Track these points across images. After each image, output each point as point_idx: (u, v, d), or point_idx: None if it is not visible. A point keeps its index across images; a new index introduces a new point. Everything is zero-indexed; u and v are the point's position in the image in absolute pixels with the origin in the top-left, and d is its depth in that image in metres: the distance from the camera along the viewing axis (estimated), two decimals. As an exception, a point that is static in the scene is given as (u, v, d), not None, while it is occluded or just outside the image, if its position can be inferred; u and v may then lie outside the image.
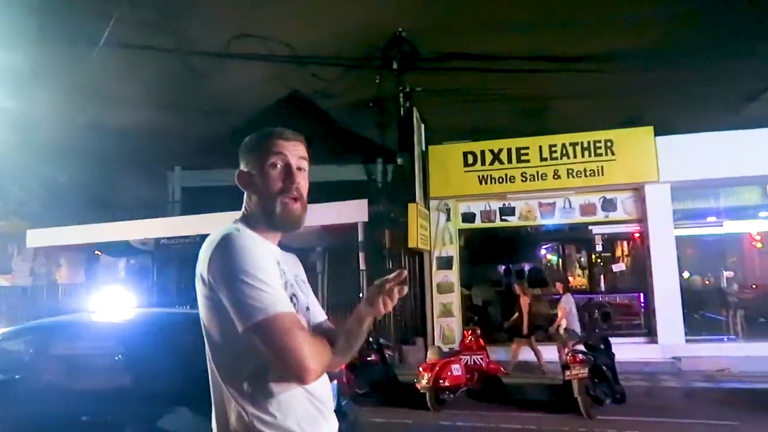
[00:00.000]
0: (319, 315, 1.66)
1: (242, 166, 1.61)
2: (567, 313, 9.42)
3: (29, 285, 15.75)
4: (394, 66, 13.06)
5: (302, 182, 1.59)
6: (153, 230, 14.52)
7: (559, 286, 10.09)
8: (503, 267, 14.02)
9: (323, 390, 1.54)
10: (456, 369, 7.82)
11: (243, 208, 1.62)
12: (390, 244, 12.35)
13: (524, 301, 9.95)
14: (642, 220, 10.86)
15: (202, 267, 1.46)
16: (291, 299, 1.49)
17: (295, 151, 1.59)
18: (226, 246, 1.42)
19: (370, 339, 8.97)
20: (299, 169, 1.59)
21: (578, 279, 14.14)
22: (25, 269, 16.39)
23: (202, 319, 1.51)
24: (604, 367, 7.22)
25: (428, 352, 8.18)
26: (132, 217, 15.33)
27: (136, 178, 19.11)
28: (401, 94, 12.92)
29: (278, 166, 1.56)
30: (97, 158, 17.66)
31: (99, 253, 16.44)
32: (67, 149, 15.95)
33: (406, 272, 1.50)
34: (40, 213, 16.50)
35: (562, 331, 9.24)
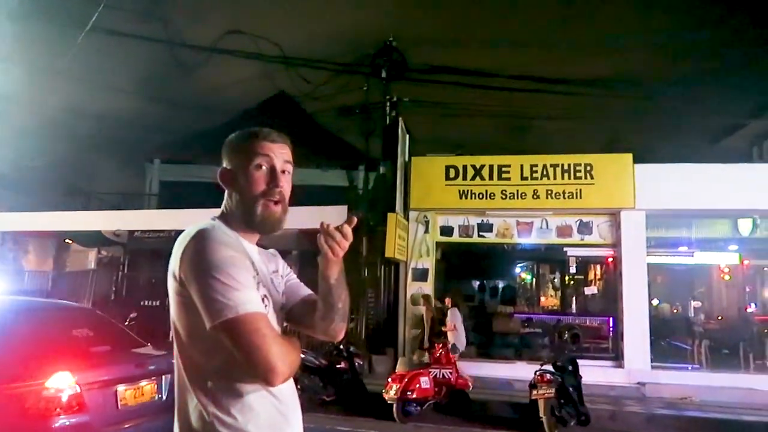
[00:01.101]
0: (303, 290, 1.70)
1: (225, 164, 1.59)
2: (454, 329, 9.60)
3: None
4: (383, 74, 13.10)
5: (286, 185, 1.58)
6: (127, 222, 14.28)
7: (447, 301, 10.22)
8: (479, 283, 14.11)
9: (289, 394, 1.53)
10: (424, 381, 7.81)
11: (223, 206, 1.60)
12: (367, 252, 12.33)
13: (427, 315, 10.35)
14: (616, 245, 11.02)
15: (174, 262, 1.44)
16: (263, 299, 1.47)
17: (281, 154, 1.58)
18: (199, 242, 1.41)
19: (341, 346, 8.94)
20: (283, 171, 1.58)
21: (551, 299, 14.29)
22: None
23: (171, 315, 1.48)
24: (570, 389, 7.28)
25: (398, 363, 8.16)
26: (107, 207, 15.09)
27: (113, 167, 18.83)
28: (388, 103, 12.95)
29: (263, 167, 1.54)
30: (75, 144, 17.37)
31: (69, 241, 16.11)
32: (43, 133, 15.63)
33: (355, 219, 1.51)
34: (9, 196, 16.11)
35: (450, 346, 9.28)
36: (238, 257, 1.41)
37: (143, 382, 4.41)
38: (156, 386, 4.53)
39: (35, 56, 16.03)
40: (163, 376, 4.56)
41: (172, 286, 1.45)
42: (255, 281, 1.47)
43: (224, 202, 1.60)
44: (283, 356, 1.34)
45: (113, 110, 17.18)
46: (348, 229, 1.49)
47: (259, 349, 1.31)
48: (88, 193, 18.28)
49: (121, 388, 4.19)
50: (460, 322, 9.76)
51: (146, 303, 12.96)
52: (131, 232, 14.14)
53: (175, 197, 16.37)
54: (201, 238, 1.41)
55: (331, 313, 1.57)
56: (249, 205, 1.53)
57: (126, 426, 4.20)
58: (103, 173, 18.77)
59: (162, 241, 13.09)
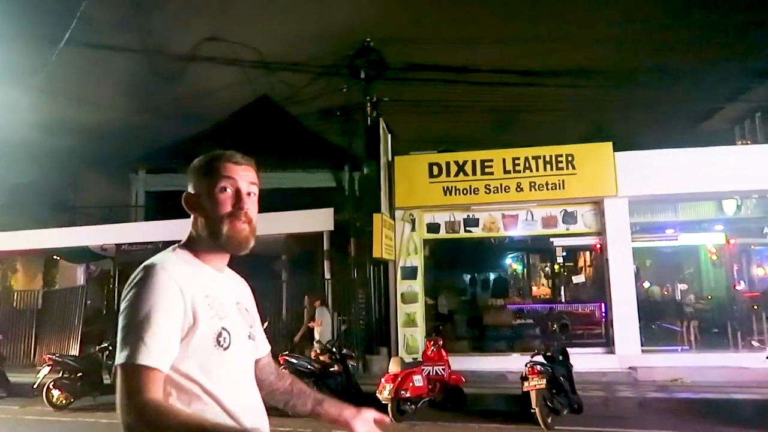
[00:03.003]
0: (262, 349, 1.68)
1: (190, 188, 1.59)
2: (321, 325, 10.29)
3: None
4: (362, 75, 13.13)
5: (251, 207, 1.57)
6: (114, 235, 14.21)
7: (316, 303, 10.70)
8: (468, 277, 14.20)
9: (258, 421, 1.52)
10: (418, 380, 7.86)
11: (190, 231, 1.59)
12: (355, 253, 12.38)
13: (307, 313, 10.90)
14: (601, 232, 11.13)
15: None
16: (221, 332, 1.46)
17: (245, 176, 1.57)
18: (141, 279, 1.41)
19: (333, 349, 8.98)
20: (249, 194, 1.57)
21: (541, 289, 14.42)
22: (-22, 274, 15.87)
23: None
24: (561, 378, 7.36)
25: (390, 363, 8.20)
26: (93, 221, 15.01)
27: (98, 180, 18.72)
28: (368, 104, 12.98)
29: (227, 190, 1.54)
30: (57, 160, 17.25)
31: (58, 258, 16.02)
32: (24, 150, 15.52)
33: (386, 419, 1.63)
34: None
35: (315, 342, 10.06)
36: (167, 305, 1.38)
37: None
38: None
39: (11, 74, 15.90)
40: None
41: None
42: (209, 314, 1.45)
43: (191, 226, 1.59)
44: (133, 421, 1.29)
45: (94, 123, 17.11)
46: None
47: (123, 404, 1.29)
48: (74, 207, 18.18)
49: None
50: (328, 319, 10.50)
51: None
52: (119, 246, 14.08)
53: (161, 207, 16.29)
54: (143, 277, 1.42)
55: (283, 404, 1.73)
56: (215, 226, 1.53)
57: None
58: (87, 187, 18.68)
59: (150, 253, 12.78)
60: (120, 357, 1.33)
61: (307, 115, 17.67)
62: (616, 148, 10.93)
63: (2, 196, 15.70)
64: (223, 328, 1.48)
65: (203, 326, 1.43)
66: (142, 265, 1.45)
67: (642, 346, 10.58)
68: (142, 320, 1.34)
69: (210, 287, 1.52)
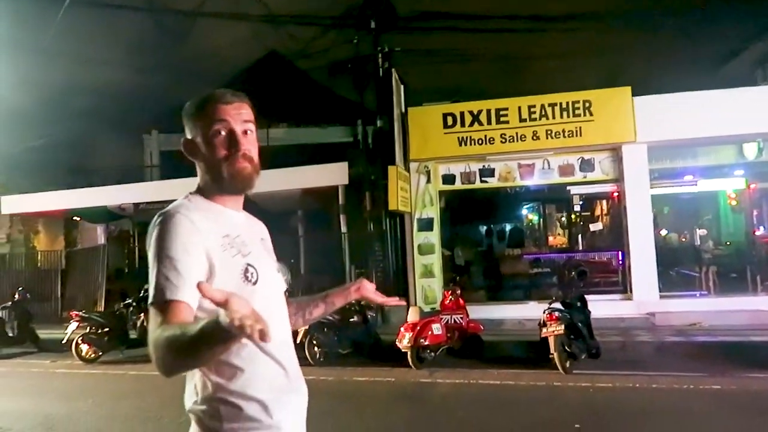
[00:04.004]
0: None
1: (186, 134, 1.57)
2: None
3: (7, 252, 15.56)
4: (372, 25, 12.83)
5: (248, 146, 1.53)
6: (131, 195, 14.36)
7: None
8: (485, 227, 14.20)
9: (289, 356, 1.54)
10: (436, 328, 7.98)
11: (198, 177, 1.59)
12: (371, 206, 12.39)
13: None
14: (619, 180, 11.00)
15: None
16: (247, 268, 1.47)
17: (238, 115, 1.52)
18: (159, 224, 1.42)
19: (353, 300, 9.09)
20: (245, 132, 1.53)
21: (558, 238, 14.40)
22: (1, 236, 16.16)
23: None
24: (579, 324, 7.41)
25: (409, 313, 8.31)
26: (109, 182, 15.13)
27: (112, 142, 18.74)
28: (380, 55, 12.73)
29: (222, 133, 1.50)
30: (71, 122, 17.26)
31: (78, 219, 16.26)
32: (39, 113, 15.55)
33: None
34: (14, 179, 16.17)
35: None
36: (191, 245, 1.38)
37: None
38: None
39: (21, 36, 15.79)
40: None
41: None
42: (230, 253, 1.46)
43: (198, 171, 1.59)
44: (159, 352, 1.24)
45: (105, 84, 16.98)
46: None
47: (151, 340, 1.27)
48: (90, 169, 18.30)
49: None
50: None
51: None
52: (136, 205, 14.24)
53: (176, 167, 16.35)
54: (160, 221, 1.42)
55: (306, 316, 1.77)
56: (215, 170, 1.52)
57: None
58: (102, 148, 18.70)
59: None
60: (149, 300, 1.36)
61: (317, 70, 17.42)
62: (634, 93, 10.67)
63: (20, 158, 15.82)
64: (249, 264, 1.48)
65: (227, 264, 1.44)
66: (158, 214, 1.45)
67: (660, 292, 10.59)
68: (165, 262, 1.35)
69: (228, 227, 1.52)
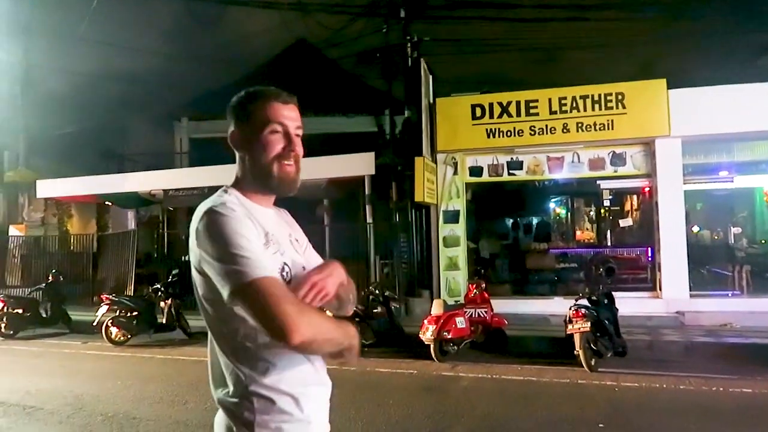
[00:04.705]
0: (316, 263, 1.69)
1: (234, 126, 1.57)
2: None
3: (42, 235, 15.98)
4: (402, 14, 12.74)
5: (299, 149, 1.58)
6: (161, 181, 14.59)
7: None
8: (511, 221, 14.07)
9: None
10: (460, 322, 7.95)
11: (236, 171, 1.60)
12: (396, 197, 12.37)
13: None
14: (651, 174, 10.76)
15: (191, 242, 1.46)
16: (283, 267, 1.50)
17: (293, 116, 1.57)
18: (207, 221, 1.42)
19: (376, 291, 9.12)
20: (296, 135, 1.57)
21: (585, 233, 14.20)
22: (36, 219, 16.58)
23: (196, 292, 1.52)
24: (606, 321, 7.30)
25: (433, 305, 8.29)
26: (140, 168, 15.38)
27: (143, 128, 19.04)
28: (409, 44, 12.64)
29: (278, 132, 1.54)
30: (104, 108, 17.58)
31: (109, 203, 16.58)
32: (74, 99, 15.85)
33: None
34: (49, 164, 16.56)
35: None
36: (246, 231, 1.41)
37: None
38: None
39: (57, 24, 16.11)
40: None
41: (192, 261, 1.48)
42: (272, 249, 1.49)
43: (237, 166, 1.60)
44: (298, 315, 1.33)
45: (137, 71, 17.23)
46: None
47: (271, 312, 1.32)
48: (121, 155, 18.63)
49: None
50: None
51: (187, 258, 13.32)
52: (166, 191, 14.46)
53: (205, 153, 16.55)
54: (208, 219, 1.42)
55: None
56: (264, 168, 1.53)
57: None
58: (133, 134, 19.02)
59: (196, 198, 13.36)
60: (231, 286, 1.35)
61: (346, 59, 17.39)
62: (669, 86, 10.39)
63: (54, 143, 16.17)
64: (285, 263, 1.52)
65: (270, 262, 1.46)
66: (203, 211, 1.45)
67: (690, 290, 10.36)
68: (235, 252, 1.36)
69: (267, 225, 1.55)
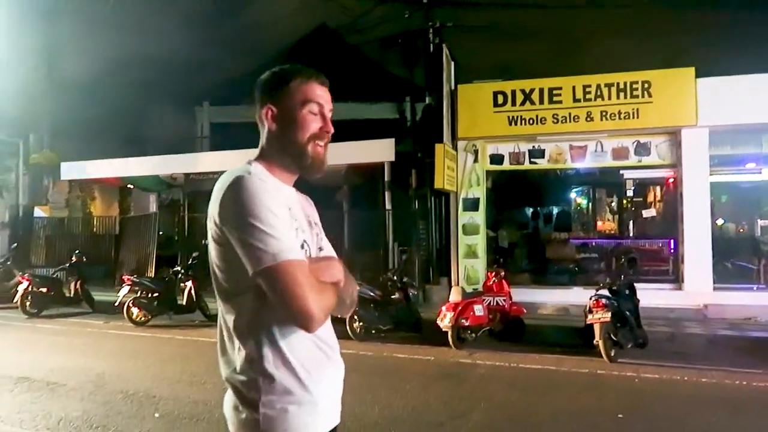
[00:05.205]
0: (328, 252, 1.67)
1: (270, 103, 1.54)
2: None
3: (66, 216, 16.24)
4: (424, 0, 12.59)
5: (332, 129, 1.59)
6: (182, 165, 14.71)
7: None
8: (531, 210, 13.93)
9: (327, 332, 1.54)
10: (478, 309, 7.90)
11: (261, 146, 1.57)
12: (416, 184, 12.31)
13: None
14: (676, 165, 10.56)
15: (213, 209, 1.43)
16: (302, 245, 1.48)
17: (327, 98, 1.58)
18: (237, 189, 1.38)
19: (395, 278, 9.11)
20: (330, 117, 1.59)
21: (607, 224, 14.02)
22: (60, 201, 16.84)
23: (211, 262, 1.49)
24: (627, 313, 7.21)
25: (451, 293, 8.26)
26: (161, 152, 15.51)
27: (165, 112, 19.17)
28: (431, 30, 12.50)
29: (315, 111, 1.54)
30: (127, 92, 17.71)
31: (131, 186, 16.78)
32: (97, 83, 16.00)
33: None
34: (73, 146, 16.77)
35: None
36: (276, 206, 1.38)
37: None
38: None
39: (80, 8, 16.23)
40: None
41: (212, 232, 1.45)
42: (294, 227, 1.47)
43: (263, 141, 1.57)
44: (318, 303, 1.35)
45: (159, 56, 17.31)
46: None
47: (296, 298, 1.32)
48: (144, 138, 18.80)
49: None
50: None
51: (207, 242, 13.41)
52: (187, 175, 14.58)
53: (226, 138, 16.64)
54: (237, 186, 1.38)
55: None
56: (298, 147, 1.52)
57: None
58: (155, 119, 19.17)
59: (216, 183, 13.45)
60: (257, 265, 1.33)
61: (367, 44, 17.27)
62: (698, 74, 10.16)
63: (78, 126, 16.36)
64: (304, 240, 1.51)
65: (295, 240, 1.45)
66: (232, 179, 1.41)
67: (714, 283, 10.18)
68: (264, 229, 1.34)
69: (290, 200, 1.54)
